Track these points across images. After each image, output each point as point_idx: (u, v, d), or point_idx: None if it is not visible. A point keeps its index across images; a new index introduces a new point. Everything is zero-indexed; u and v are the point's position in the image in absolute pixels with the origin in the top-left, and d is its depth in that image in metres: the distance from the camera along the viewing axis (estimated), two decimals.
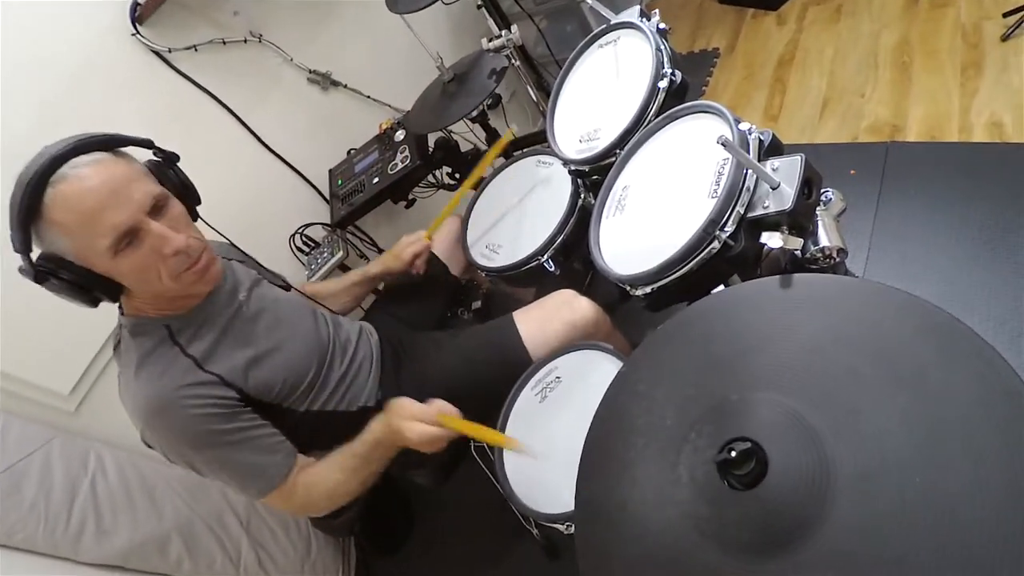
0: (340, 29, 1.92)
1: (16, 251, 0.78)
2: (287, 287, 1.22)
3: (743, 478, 0.45)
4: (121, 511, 1.40)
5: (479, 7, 1.40)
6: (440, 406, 0.93)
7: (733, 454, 0.44)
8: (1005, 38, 1.58)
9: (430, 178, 1.90)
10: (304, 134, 1.87)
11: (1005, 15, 1.59)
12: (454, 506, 1.79)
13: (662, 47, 0.97)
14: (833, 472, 0.44)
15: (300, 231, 1.82)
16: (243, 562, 1.60)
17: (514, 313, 1.16)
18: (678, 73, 0.95)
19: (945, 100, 1.60)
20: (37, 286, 0.79)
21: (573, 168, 1.10)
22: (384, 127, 1.84)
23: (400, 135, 1.76)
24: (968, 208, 1.36)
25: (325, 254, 1.76)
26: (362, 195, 1.72)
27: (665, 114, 0.90)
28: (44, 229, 0.77)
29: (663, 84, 0.95)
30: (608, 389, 0.64)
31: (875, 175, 1.55)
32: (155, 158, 0.89)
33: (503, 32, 1.33)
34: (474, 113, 1.50)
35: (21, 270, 0.79)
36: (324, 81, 1.88)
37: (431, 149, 1.74)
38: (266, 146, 1.77)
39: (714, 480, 0.47)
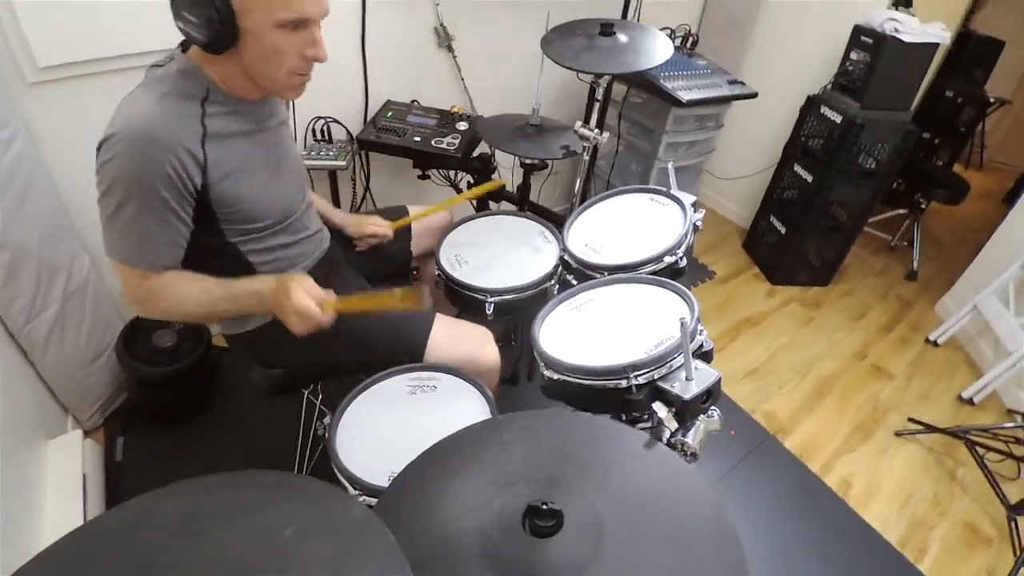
0: (494, 14, 2.06)
1: None
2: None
3: (538, 528, 0.57)
4: None
5: (596, 101, 1.58)
6: (330, 296, 0.96)
7: (544, 507, 0.55)
8: (898, 434, 1.92)
9: (452, 173, 2.02)
10: (394, 56, 1.95)
11: (910, 419, 1.94)
12: (247, 433, 1.76)
13: (689, 237, 1.15)
14: (598, 567, 0.55)
15: (329, 120, 1.87)
16: (37, 321, 1.51)
17: (438, 314, 1.24)
18: (684, 260, 1.13)
19: (828, 438, 1.90)
20: None
21: (565, 256, 1.24)
22: (455, 109, 1.96)
23: (462, 125, 1.88)
24: (784, 522, 1.62)
25: (330, 154, 1.81)
26: (396, 139, 1.80)
27: (657, 278, 1.06)
28: None
29: (669, 259, 1.12)
30: (481, 422, 0.74)
31: (744, 448, 1.81)
32: None
33: (595, 130, 1.50)
34: (528, 161, 1.64)
35: None
36: (442, 40, 2.00)
37: (474, 155, 1.86)
38: (363, 43, 1.85)
39: (516, 518, 0.60)
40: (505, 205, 2.03)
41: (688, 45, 2.42)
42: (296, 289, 0.92)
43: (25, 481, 1.38)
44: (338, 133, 1.91)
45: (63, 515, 1.38)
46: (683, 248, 1.13)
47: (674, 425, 0.78)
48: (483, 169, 1.89)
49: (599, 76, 1.53)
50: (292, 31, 0.89)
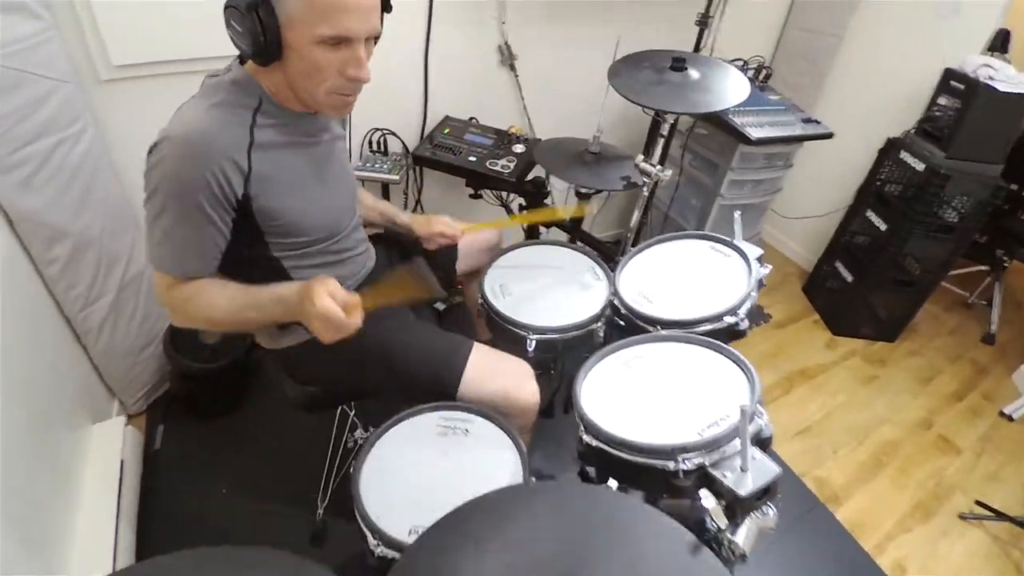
0: (560, 36, 2.01)
1: None
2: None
3: None
4: (53, 184, 1.36)
5: (660, 136, 1.51)
6: (354, 298, 0.90)
7: None
8: (963, 517, 1.75)
9: (503, 194, 1.97)
10: (456, 71, 1.92)
11: (977, 503, 1.77)
12: (280, 435, 1.76)
13: (753, 297, 1.06)
14: None
15: (386, 132, 1.86)
16: (93, 308, 1.56)
17: (475, 344, 1.19)
18: (746, 323, 1.04)
19: (884, 514, 1.74)
20: None
21: (614, 301, 1.17)
22: (513, 130, 1.92)
23: (519, 148, 1.84)
24: None
25: (384, 167, 1.80)
26: (451, 157, 1.77)
27: (715, 342, 0.98)
28: None
29: (729, 320, 1.04)
30: (512, 488, 0.68)
31: (790, 514, 1.67)
32: None
33: (657, 166, 1.43)
34: (584, 190, 1.58)
35: None
36: (505, 58, 1.96)
37: (529, 179, 1.82)
38: (426, 57, 1.83)
39: None
40: (556, 232, 1.97)
41: (761, 78, 2.30)
42: (320, 293, 0.88)
43: (67, 462, 1.42)
44: (394, 146, 1.90)
45: (98, 500, 1.42)
46: (745, 309, 1.05)
47: (723, 521, 0.70)
48: (536, 193, 1.84)
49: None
50: (333, 48, 0.86)
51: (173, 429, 1.76)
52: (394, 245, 1.41)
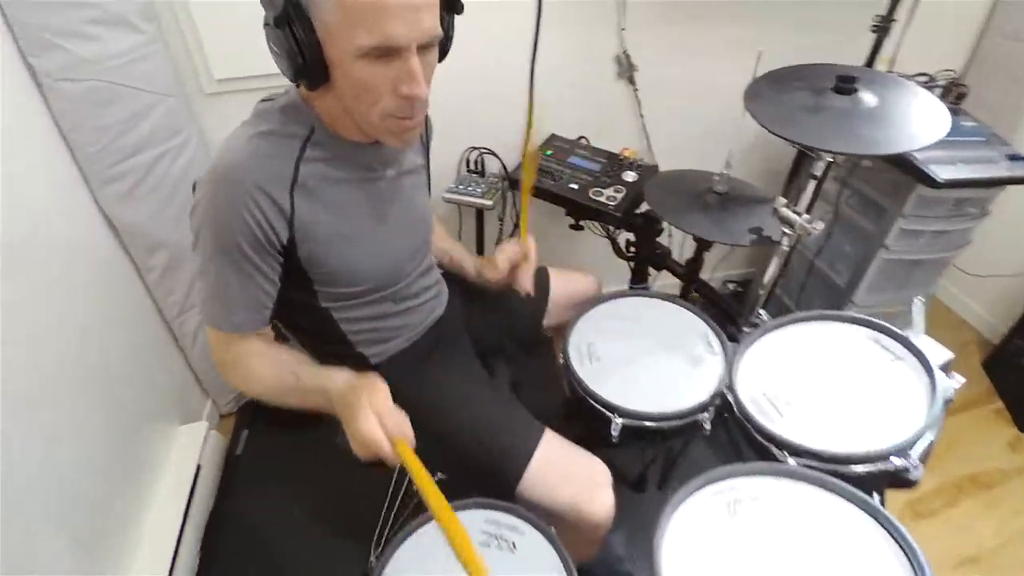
0: (690, 46, 1.72)
1: None
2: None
3: None
4: (154, 195, 1.40)
5: (812, 177, 1.18)
6: (406, 430, 0.77)
7: None
8: None
9: (609, 226, 1.73)
10: (565, 84, 1.71)
11: None
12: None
13: (936, 429, 0.74)
14: None
15: (485, 152, 1.70)
16: (188, 314, 1.62)
17: (546, 435, 0.99)
18: (919, 470, 0.72)
19: None
20: None
21: (731, 403, 0.89)
22: (625, 154, 1.67)
23: (630, 176, 1.59)
24: None
25: (478, 189, 1.64)
26: (550, 182, 1.57)
27: (873, 503, 0.68)
28: None
29: (897, 462, 0.72)
30: None
31: None
32: None
33: (803, 215, 1.11)
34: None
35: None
36: (624, 70, 1.71)
37: (639, 212, 1.56)
38: (532, 67, 1.64)
39: None
40: (667, 275, 1.69)
41: (951, 98, 1.81)
42: (366, 415, 0.72)
43: (147, 460, 1.48)
44: (493, 166, 1.74)
45: (168, 501, 1.47)
46: (921, 449, 0.73)
47: None
48: (647, 229, 1.58)
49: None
50: (380, 61, 0.70)
51: (257, 435, 1.80)
52: (473, 290, 1.24)
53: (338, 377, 0.81)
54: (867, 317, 0.96)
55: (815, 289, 2.01)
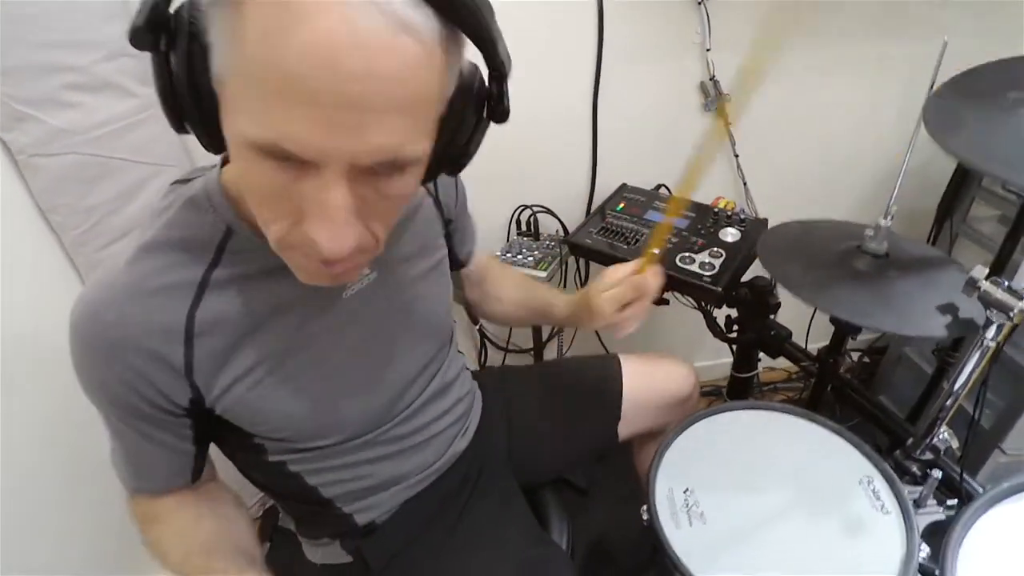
0: (798, 59, 1.34)
1: None
2: (462, 262, 0.84)
3: None
4: None
5: None
6: None
7: None
8: None
9: (702, 301, 1.32)
10: (637, 121, 1.38)
11: None
12: None
13: None
14: None
15: (538, 210, 1.39)
16: None
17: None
18: None
19: None
20: None
21: None
22: (722, 205, 1.29)
23: (731, 235, 1.21)
24: None
25: (530, 257, 1.32)
26: (623, 246, 1.22)
27: None
28: (229, 18, 0.36)
29: None
30: None
31: None
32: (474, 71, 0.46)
33: (1020, 300, 0.69)
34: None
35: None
36: (711, 100, 1.35)
37: (742, 283, 1.17)
38: (595, 103, 1.32)
39: None
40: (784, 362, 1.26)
41: None
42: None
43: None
44: (549, 225, 1.42)
45: None
46: None
47: None
48: (756, 304, 1.18)
49: None
50: (285, 173, 0.39)
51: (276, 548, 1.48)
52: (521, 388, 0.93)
53: None
54: None
55: (999, 381, 1.40)
